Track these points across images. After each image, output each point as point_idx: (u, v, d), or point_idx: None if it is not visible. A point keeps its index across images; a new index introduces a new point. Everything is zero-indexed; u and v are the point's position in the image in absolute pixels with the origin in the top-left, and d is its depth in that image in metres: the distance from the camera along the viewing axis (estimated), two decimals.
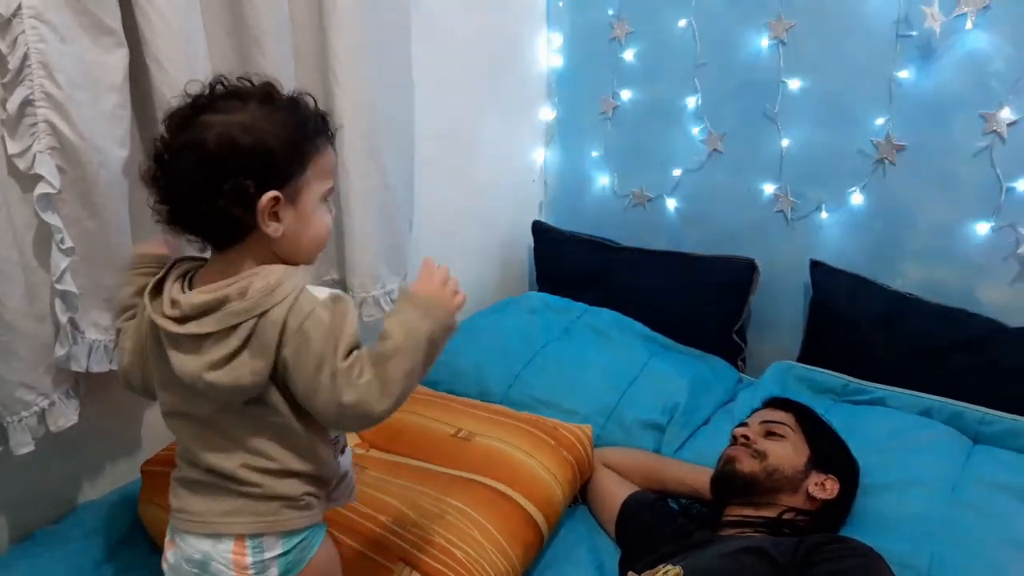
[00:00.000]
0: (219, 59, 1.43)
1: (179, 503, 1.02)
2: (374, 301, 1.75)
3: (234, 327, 0.90)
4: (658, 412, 1.74)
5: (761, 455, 1.40)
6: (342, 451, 1.10)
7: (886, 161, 1.77)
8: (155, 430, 1.63)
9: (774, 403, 1.55)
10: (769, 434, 1.45)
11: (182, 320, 0.92)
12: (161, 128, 0.94)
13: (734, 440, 1.47)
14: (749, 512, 1.37)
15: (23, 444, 1.30)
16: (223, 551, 0.97)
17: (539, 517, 1.43)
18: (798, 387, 1.82)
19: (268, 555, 0.98)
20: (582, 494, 1.60)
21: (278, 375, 0.93)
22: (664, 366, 1.86)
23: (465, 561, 1.29)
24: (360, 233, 1.68)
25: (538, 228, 2.31)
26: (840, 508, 1.40)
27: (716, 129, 2.00)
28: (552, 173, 2.38)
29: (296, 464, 0.99)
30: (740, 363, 2.02)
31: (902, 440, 1.55)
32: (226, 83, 0.96)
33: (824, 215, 1.89)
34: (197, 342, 0.92)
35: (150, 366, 1.02)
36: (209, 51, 1.39)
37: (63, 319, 1.27)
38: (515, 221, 2.36)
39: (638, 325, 2.02)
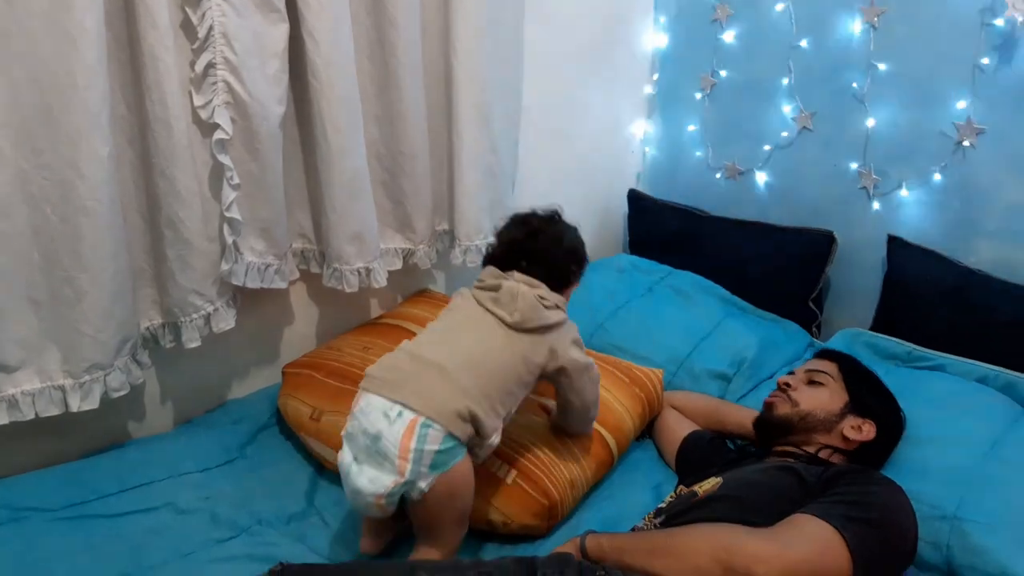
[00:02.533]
0: (360, 35, 1.70)
1: (387, 372, 1.34)
2: (476, 249, 1.99)
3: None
4: (726, 364, 1.91)
5: (794, 402, 1.54)
6: None
7: (966, 143, 1.85)
8: (294, 343, 1.95)
9: (822, 354, 1.69)
10: (811, 382, 1.58)
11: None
12: None
13: (777, 387, 1.62)
14: (790, 448, 1.52)
15: (192, 340, 1.63)
16: (396, 431, 1.26)
17: (611, 440, 1.64)
18: (864, 352, 1.93)
19: (428, 447, 1.26)
20: (649, 430, 1.80)
21: None
22: (738, 325, 2.02)
23: (546, 461, 1.53)
24: (468, 189, 1.92)
25: (633, 196, 2.49)
26: (879, 451, 1.52)
27: (807, 108, 2.12)
28: (651, 145, 2.55)
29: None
30: (814, 330, 2.15)
31: (955, 402, 1.66)
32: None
33: (904, 193, 1.99)
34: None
35: None
36: (353, 28, 1.65)
37: (229, 240, 1.58)
38: (613, 188, 2.55)
39: (719, 288, 2.18)
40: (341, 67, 1.60)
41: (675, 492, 1.51)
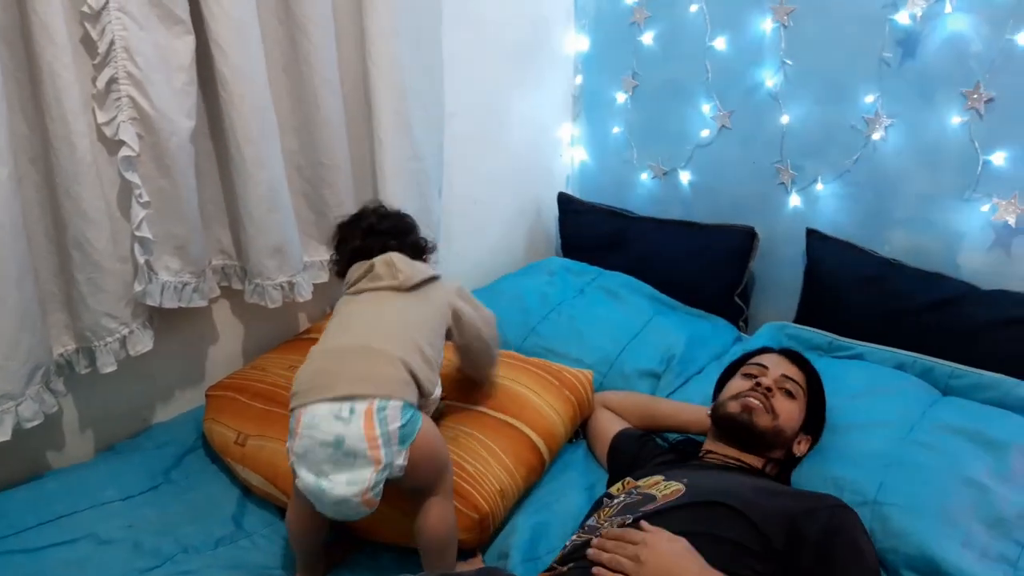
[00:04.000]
0: (273, 44, 1.67)
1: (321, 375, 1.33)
2: None
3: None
4: (656, 362, 1.93)
5: (775, 415, 1.47)
6: None
7: (876, 136, 1.91)
8: (220, 362, 1.90)
9: (792, 356, 1.61)
10: (783, 389, 1.51)
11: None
12: None
13: (755, 385, 1.51)
14: (733, 454, 1.50)
15: (107, 364, 1.58)
16: (355, 427, 1.25)
17: (541, 445, 1.64)
18: (788, 344, 1.95)
19: (392, 427, 1.27)
20: (583, 431, 1.81)
21: None
22: (666, 322, 2.05)
23: (474, 474, 1.51)
24: (393, 197, 1.89)
25: (563, 199, 2.51)
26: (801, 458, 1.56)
27: (725, 107, 2.16)
28: (578, 147, 2.57)
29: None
30: (741, 324, 2.19)
31: (874, 388, 1.70)
32: None
33: (820, 187, 2.04)
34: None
35: None
36: (265, 37, 1.63)
37: (141, 260, 1.54)
38: (543, 192, 2.56)
39: (647, 287, 2.20)
40: (251, 77, 1.57)
41: (621, 485, 1.45)
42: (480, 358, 1.63)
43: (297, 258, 1.78)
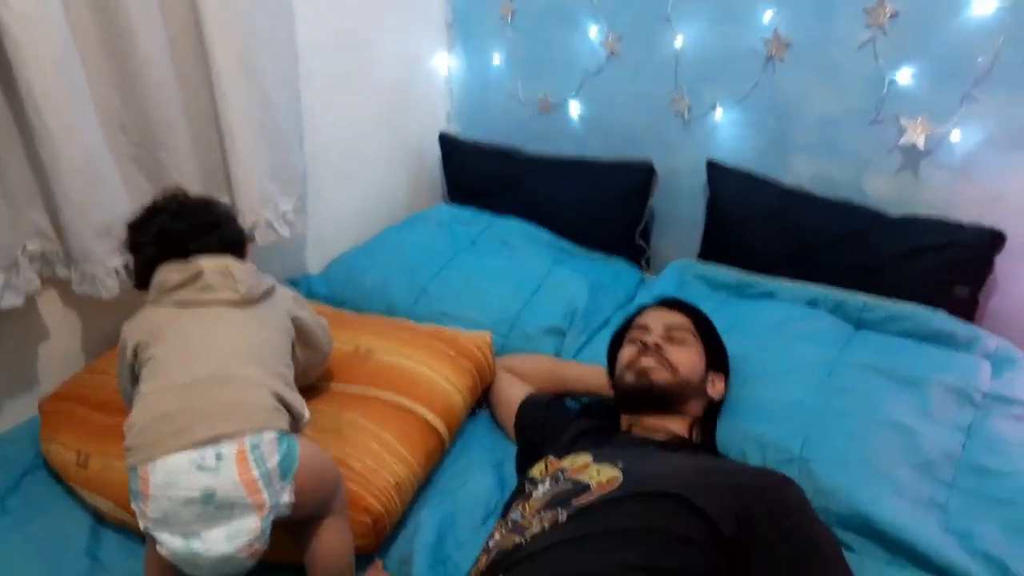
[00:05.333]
0: None
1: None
2: (267, 224, 1.72)
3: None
4: (559, 317, 1.78)
5: (673, 368, 1.39)
6: None
7: (775, 58, 1.77)
8: (55, 363, 1.62)
9: (670, 304, 1.55)
10: (671, 340, 1.44)
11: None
12: None
13: (642, 347, 1.43)
14: (655, 423, 1.38)
15: None
16: (227, 474, 1.03)
17: (439, 424, 1.47)
18: (695, 284, 1.87)
19: (270, 464, 1.06)
20: (484, 399, 1.65)
21: None
22: (566, 272, 1.89)
23: (362, 471, 1.33)
24: (243, 154, 1.64)
25: (445, 139, 2.28)
26: (721, 399, 1.47)
27: (613, 31, 1.97)
28: (457, 81, 2.33)
29: None
30: (644, 264, 2.07)
31: (786, 330, 1.61)
32: None
33: (719, 115, 1.90)
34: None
35: None
36: None
37: None
38: (423, 131, 2.32)
39: (544, 233, 2.04)
40: (43, 22, 1.26)
41: (544, 466, 1.29)
42: (314, 370, 1.44)
43: None
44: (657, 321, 1.49)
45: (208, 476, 1.03)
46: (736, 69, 1.84)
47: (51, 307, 1.60)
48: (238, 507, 1.04)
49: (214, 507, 1.04)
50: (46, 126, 1.30)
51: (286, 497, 1.09)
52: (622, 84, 2.02)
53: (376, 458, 1.36)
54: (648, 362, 1.40)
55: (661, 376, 1.39)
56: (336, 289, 1.95)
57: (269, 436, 1.08)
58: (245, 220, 1.69)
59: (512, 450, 1.54)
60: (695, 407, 1.43)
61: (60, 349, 1.63)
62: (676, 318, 1.50)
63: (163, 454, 1.05)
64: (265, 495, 1.06)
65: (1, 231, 1.35)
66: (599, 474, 1.19)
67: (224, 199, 1.74)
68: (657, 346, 1.42)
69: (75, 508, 1.41)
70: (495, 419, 1.62)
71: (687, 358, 1.42)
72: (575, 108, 2.13)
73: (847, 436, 1.37)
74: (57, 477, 1.45)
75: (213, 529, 1.04)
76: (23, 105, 1.30)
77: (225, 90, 1.56)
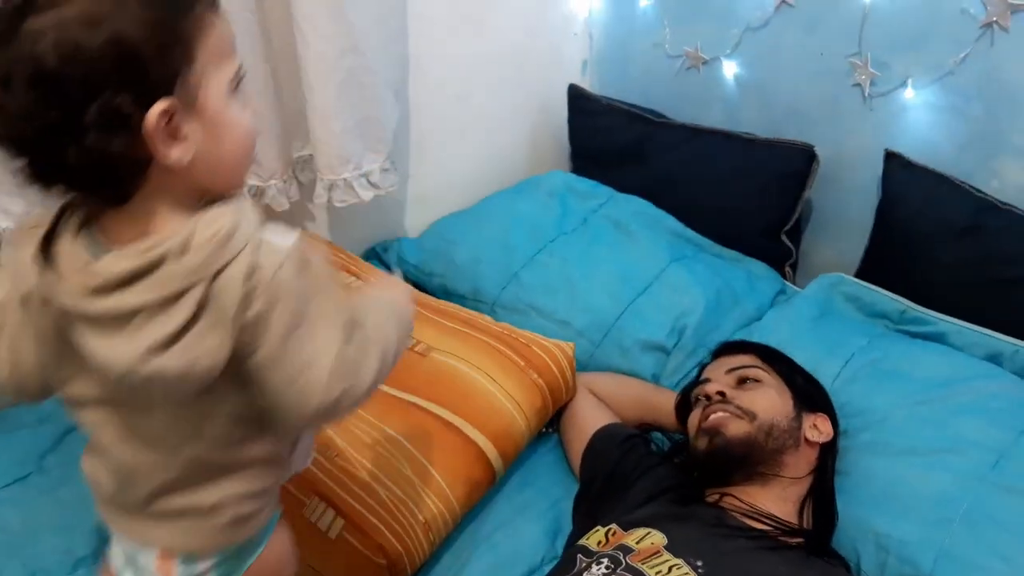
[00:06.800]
0: None
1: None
2: (345, 184, 1.54)
3: (179, 294, 0.65)
4: (664, 332, 1.48)
5: (749, 414, 1.15)
6: None
7: (996, 25, 1.33)
8: None
9: (728, 349, 1.33)
10: (742, 382, 1.21)
11: (101, 291, 0.66)
12: None
13: (706, 400, 1.20)
14: (746, 499, 1.11)
15: None
16: (145, 563, 0.83)
17: (491, 452, 1.26)
18: (845, 306, 1.51)
19: (201, 567, 0.83)
20: (557, 421, 1.41)
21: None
22: (684, 273, 1.57)
23: (388, 502, 1.16)
24: (322, 105, 1.44)
25: (574, 93, 1.98)
26: (833, 456, 1.18)
27: None
28: (598, 25, 2.01)
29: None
30: (788, 269, 1.71)
31: (952, 390, 1.24)
32: None
33: (910, 93, 1.48)
34: (124, 320, 0.66)
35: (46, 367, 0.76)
36: None
37: None
38: (551, 84, 2.03)
39: (669, 219, 1.73)
40: None
41: (604, 537, 1.08)
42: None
43: None
44: (718, 368, 1.27)
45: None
46: (940, 35, 1.41)
47: None
48: None
49: None
50: None
51: None
52: (790, 43, 1.63)
53: (407, 487, 1.17)
54: (717, 416, 1.16)
55: (736, 428, 1.14)
56: (427, 259, 1.75)
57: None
58: (322, 177, 1.52)
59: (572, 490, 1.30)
60: (796, 465, 1.14)
61: None
62: (740, 359, 1.27)
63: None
64: None
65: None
66: (671, 573, 0.95)
67: (305, 152, 1.58)
68: (721, 393, 1.18)
69: None
70: (562, 439, 1.40)
71: (764, 398, 1.18)
72: (729, 68, 1.76)
73: (1000, 559, 1.02)
74: None
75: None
76: None
77: (302, 24, 1.36)
